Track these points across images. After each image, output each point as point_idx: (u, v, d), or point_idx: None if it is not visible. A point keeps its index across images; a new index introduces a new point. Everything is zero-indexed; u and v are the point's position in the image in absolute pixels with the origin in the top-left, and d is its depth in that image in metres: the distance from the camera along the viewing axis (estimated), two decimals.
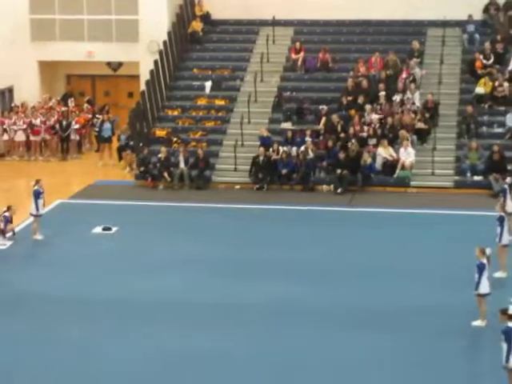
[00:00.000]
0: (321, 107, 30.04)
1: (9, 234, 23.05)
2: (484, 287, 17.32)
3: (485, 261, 17.32)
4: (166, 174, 28.53)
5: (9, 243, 22.78)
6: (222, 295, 19.19)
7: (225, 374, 15.48)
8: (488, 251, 17.47)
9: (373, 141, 28.77)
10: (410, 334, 17.08)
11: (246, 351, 16.35)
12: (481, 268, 17.25)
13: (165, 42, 32.95)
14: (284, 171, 28.32)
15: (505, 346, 14.19)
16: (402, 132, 28.56)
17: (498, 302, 16.27)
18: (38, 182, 23.35)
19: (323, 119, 29.66)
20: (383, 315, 18.00)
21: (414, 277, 20.19)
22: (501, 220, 19.97)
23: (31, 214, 23.31)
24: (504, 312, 14.59)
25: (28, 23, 33.87)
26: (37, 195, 23.06)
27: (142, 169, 29.05)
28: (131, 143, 30.67)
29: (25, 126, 32.33)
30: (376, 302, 18.75)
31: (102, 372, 15.57)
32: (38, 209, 23.07)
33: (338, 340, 16.76)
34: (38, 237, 23.08)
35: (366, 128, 29.08)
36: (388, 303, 18.65)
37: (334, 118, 29.41)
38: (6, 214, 23.01)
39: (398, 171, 28.12)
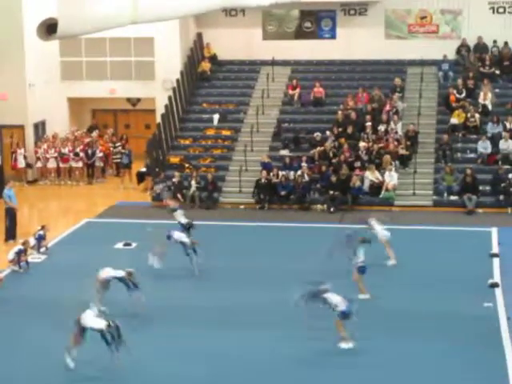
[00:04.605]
0: (315, 134, 30.16)
1: (42, 249, 23.11)
2: None
3: None
4: (179, 196, 28.60)
5: (43, 257, 22.84)
6: (223, 299, 19.35)
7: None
8: None
9: (359, 165, 28.88)
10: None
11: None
12: None
13: (177, 80, 33.13)
14: (283, 192, 28.42)
15: None
16: (386, 157, 28.68)
17: None
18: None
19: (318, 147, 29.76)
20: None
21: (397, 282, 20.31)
22: None
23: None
24: None
25: (59, 65, 34.04)
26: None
27: (158, 191, 29.14)
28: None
29: (56, 155, 32.49)
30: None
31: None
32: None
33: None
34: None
35: (354, 154, 29.22)
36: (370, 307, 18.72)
37: (327, 145, 29.56)
38: (41, 232, 23.07)
39: (383, 192, 28.23)
